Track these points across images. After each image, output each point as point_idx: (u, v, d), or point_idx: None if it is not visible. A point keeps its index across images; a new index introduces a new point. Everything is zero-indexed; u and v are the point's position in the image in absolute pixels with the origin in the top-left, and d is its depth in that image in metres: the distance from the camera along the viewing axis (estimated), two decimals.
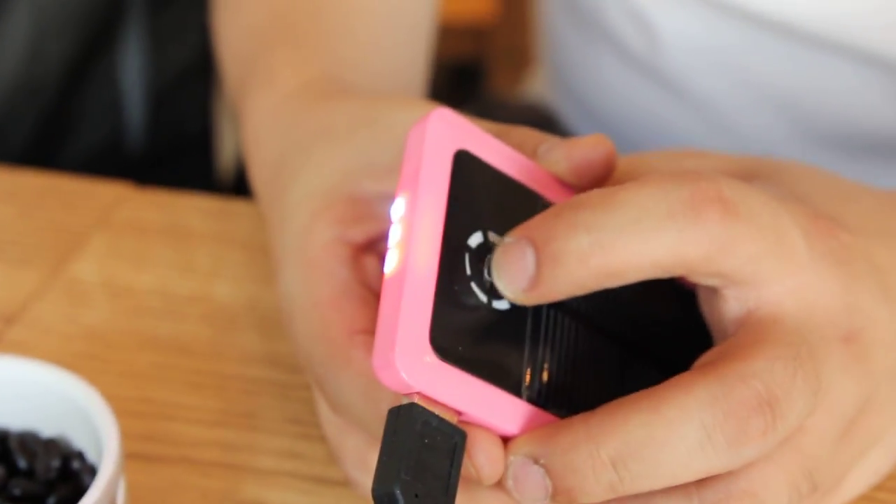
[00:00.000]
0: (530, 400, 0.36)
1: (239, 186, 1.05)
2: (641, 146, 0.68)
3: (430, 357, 0.34)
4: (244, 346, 0.53)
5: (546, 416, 0.36)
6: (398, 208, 0.36)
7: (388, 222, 0.43)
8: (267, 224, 0.48)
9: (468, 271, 0.36)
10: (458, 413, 0.35)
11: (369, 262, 0.43)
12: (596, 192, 0.35)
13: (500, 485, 0.36)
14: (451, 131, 0.37)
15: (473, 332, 0.35)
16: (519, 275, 0.35)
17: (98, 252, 0.59)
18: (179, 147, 1.02)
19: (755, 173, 0.43)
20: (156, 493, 0.45)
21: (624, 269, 0.34)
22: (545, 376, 0.37)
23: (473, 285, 0.36)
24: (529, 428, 0.36)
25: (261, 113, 0.53)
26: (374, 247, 0.43)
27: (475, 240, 0.36)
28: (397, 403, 0.35)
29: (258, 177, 0.51)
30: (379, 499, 0.32)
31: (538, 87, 0.95)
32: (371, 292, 0.41)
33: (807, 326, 0.37)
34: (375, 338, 0.35)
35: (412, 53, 0.62)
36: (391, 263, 0.35)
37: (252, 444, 0.48)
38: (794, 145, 0.71)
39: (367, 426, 0.38)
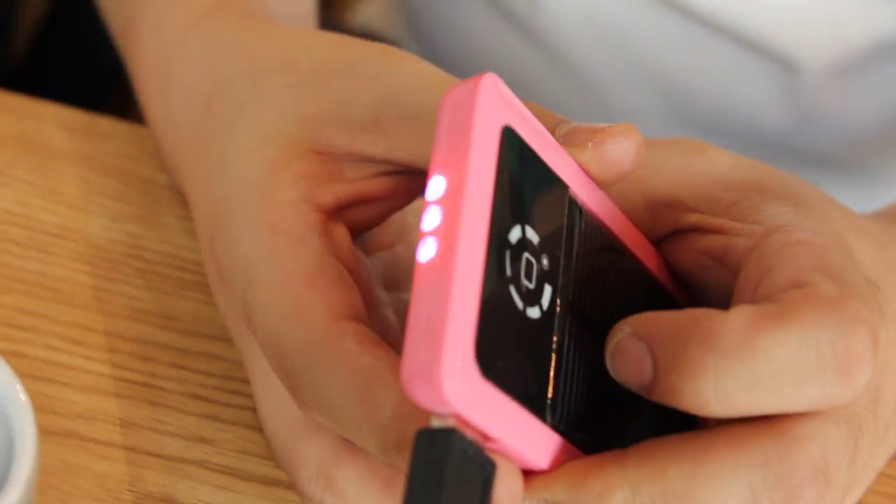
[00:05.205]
0: (553, 426, 0.32)
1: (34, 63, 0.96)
2: None
3: (475, 374, 0.29)
4: (131, 299, 0.46)
5: (568, 447, 0.32)
6: (437, 187, 0.30)
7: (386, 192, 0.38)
8: (190, 162, 0.42)
9: (508, 272, 0.31)
10: (487, 439, 0.30)
11: (338, 231, 0.37)
12: (733, 332, 0.31)
13: None
14: (498, 102, 0.31)
15: (509, 344, 0.31)
16: (634, 377, 0.32)
17: None
18: None
19: (763, 187, 0.39)
20: (43, 476, 0.38)
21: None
22: (568, 399, 0.32)
23: (512, 289, 0.31)
24: (554, 459, 0.32)
25: (172, 28, 0.46)
26: (343, 214, 0.38)
27: (515, 235, 0.31)
28: (407, 414, 0.31)
29: (169, 101, 0.44)
30: None
31: (371, 12, 0.89)
32: (346, 270, 0.36)
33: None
34: (405, 342, 0.29)
35: None
36: (429, 253, 0.30)
37: (153, 423, 0.41)
38: (670, 128, 0.69)
39: (354, 433, 0.33)
